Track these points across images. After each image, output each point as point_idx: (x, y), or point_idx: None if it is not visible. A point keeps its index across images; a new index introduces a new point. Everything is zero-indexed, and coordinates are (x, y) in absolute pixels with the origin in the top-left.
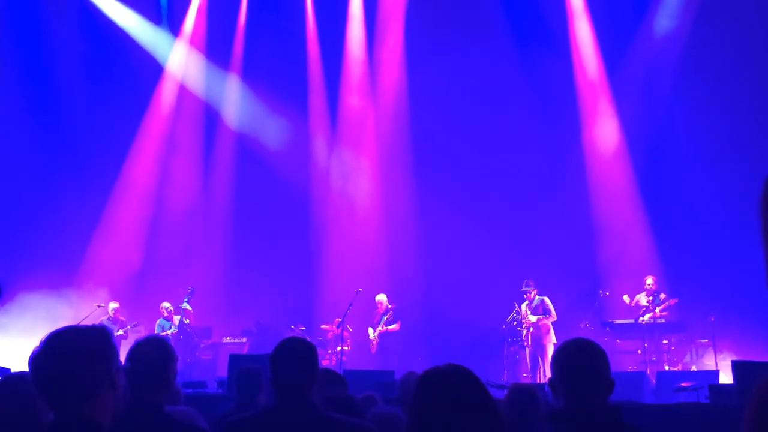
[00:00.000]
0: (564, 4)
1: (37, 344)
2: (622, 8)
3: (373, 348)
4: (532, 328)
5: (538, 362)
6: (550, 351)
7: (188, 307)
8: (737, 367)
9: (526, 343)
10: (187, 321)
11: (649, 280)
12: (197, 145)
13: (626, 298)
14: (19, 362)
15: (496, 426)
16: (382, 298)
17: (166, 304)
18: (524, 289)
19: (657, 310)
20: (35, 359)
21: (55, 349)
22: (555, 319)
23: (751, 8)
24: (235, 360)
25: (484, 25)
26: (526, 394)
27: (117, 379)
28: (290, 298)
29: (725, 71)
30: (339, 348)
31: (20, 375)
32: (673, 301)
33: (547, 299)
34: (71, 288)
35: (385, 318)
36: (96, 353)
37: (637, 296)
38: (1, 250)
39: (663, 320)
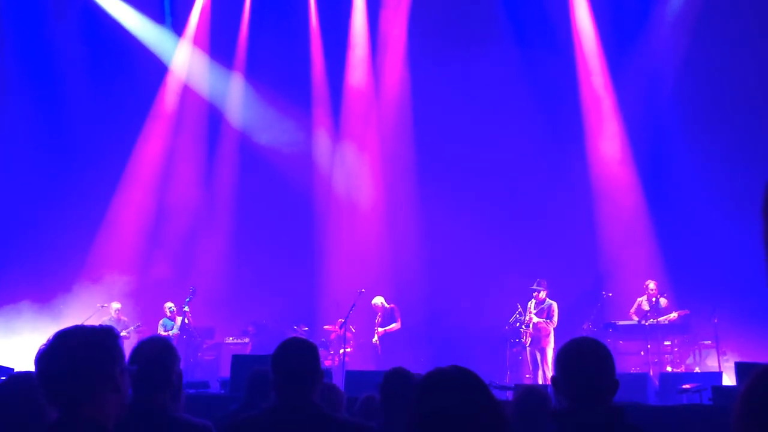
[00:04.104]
0: (568, 6)
1: (43, 343)
2: (625, 13)
3: (379, 350)
4: (531, 327)
5: (538, 364)
6: (550, 353)
7: (186, 308)
8: (740, 369)
9: (524, 340)
10: (187, 321)
11: (651, 285)
12: (200, 145)
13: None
14: (21, 362)
15: (500, 429)
16: (377, 301)
17: (169, 304)
18: (534, 287)
19: (669, 317)
20: (41, 357)
21: (61, 348)
22: (555, 326)
23: (751, 10)
24: (237, 360)
25: (488, 27)
26: (535, 395)
27: (121, 381)
28: (293, 298)
29: (727, 75)
30: (342, 351)
31: (24, 374)
32: (683, 312)
33: (555, 305)
34: (74, 288)
35: (378, 320)
36: (101, 353)
37: (639, 299)
38: (6, 250)
39: (666, 322)
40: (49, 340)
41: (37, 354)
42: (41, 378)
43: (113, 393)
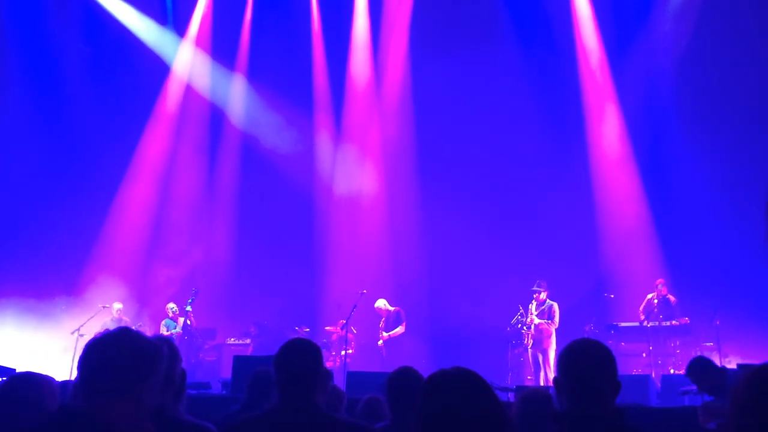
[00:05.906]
0: (569, 5)
1: (102, 332)
2: (626, 10)
3: (384, 353)
4: (532, 328)
5: (540, 365)
6: (552, 355)
7: (189, 308)
8: (742, 371)
9: (525, 341)
10: (189, 322)
11: (660, 285)
12: (202, 146)
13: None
14: (20, 361)
15: (503, 430)
16: (379, 304)
17: (171, 305)
18: (534, 288)
19: (671, 323)
20: (96, 346)
21: (120, 346)
22: (557, 326)
23: (750, 6)
24: (239, 361)
25: (489, 26)
26: (537, 397)
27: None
28: (294, 299)
29: (728, 72)
30: (344, 352)
31: (25, 375)
32: (683, 321)
33: (556, 306)
34: (76, 288)
35: (382, 324)
36: (149, 363)
37: (648, 296)
38: (8, 249)
39: (668, 323)
40: (108, 334)
41: (93, 340)
42: (90, 364)
43: (137, 401)
